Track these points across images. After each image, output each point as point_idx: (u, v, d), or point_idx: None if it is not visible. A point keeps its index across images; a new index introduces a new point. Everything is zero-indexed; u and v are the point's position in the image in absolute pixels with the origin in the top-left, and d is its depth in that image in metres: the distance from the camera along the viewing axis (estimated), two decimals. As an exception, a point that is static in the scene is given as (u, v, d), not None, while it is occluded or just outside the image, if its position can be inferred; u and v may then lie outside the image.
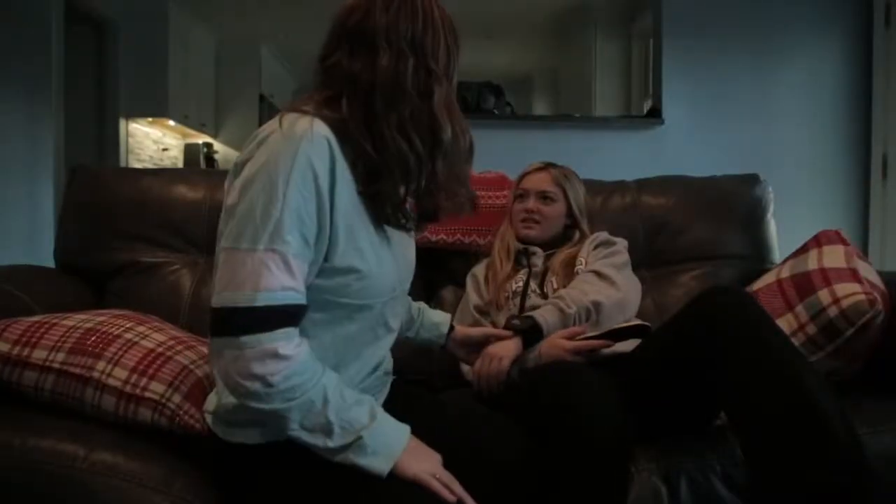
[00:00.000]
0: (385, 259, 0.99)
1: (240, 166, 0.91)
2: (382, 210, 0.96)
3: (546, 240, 1.68)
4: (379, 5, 0.94)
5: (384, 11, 0.94)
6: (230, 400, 0.93)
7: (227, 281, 0.85)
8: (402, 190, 0.95)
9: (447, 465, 0.95)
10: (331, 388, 0.89)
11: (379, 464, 0.89)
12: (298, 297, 0.87)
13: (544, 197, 1.67)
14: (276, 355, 0.84)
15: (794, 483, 0.98)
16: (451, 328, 1.38)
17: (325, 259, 0.91)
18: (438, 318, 1.38)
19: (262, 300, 0.83)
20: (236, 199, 0.88)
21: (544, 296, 1.55)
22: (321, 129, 0.89)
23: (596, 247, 1.63)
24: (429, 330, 1.36)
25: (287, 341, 0.85)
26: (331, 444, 0.88)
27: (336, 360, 0.97)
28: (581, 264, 1.58)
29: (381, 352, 1.08)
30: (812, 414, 0.99)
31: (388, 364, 1.15)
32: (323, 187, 0.87)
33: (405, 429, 0.95)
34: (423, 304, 1.39)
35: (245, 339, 0.83)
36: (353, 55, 0.94)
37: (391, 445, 0.91)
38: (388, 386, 1.16)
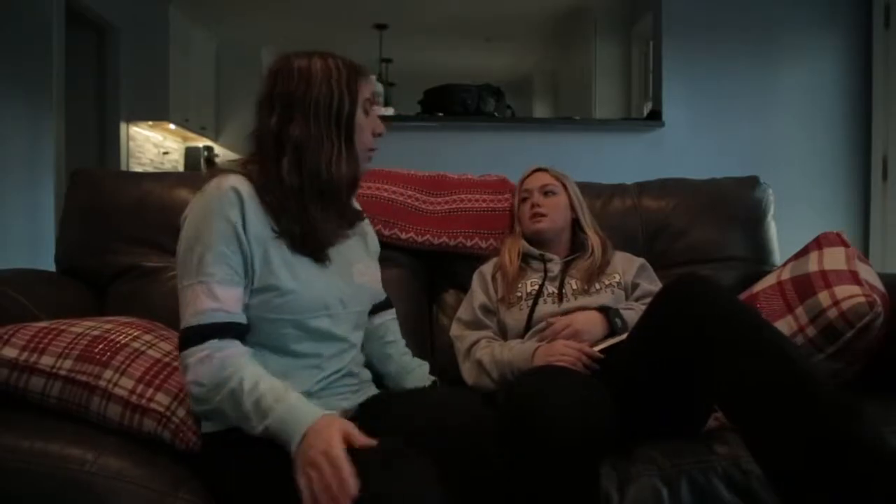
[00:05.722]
0: (308, 279, 1.14)
1: (182, 222, 1.12)
2: (293, 245, 1.13)
3: (556, 232, 1.69)
4: (268, 78, 1.19)
5: (270, 81, 1.18)
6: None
7: (180, 314, 1.06)
8: (296, 228, 1.13)
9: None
10: (247, 378, 0.99)
11: (289, 441, 0.94)
12: (225, 316, 1.05)
13: (546, 191, 1.70)
14: (202, 360, 1.01)
15: (786, 443, 0.98)
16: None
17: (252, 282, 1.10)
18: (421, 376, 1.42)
19: (195, 321, 1.03)
20: (178, 249, 1.09)
21: (560, 299, 1.56)
22: (231, 182, 1.09)
23: (639, 269, 1.66)
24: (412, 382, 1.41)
25: (213, 349, 1.02)
26: (255, 428, 0.97)
27: (282, 369, 1.10)
28: (625, 283, 1.61)
29: (340, 363, 1.21)
30: (796, 375, 1.00)
31: (355, 368, 1.26)
32: (237, 226, 1.07)
33: (312, 412, 0.96)
34: (413, 366, 1.43)
35: (185, 352, 1.03)
36: (259, 121, 1.19)
37: (293, 425, 0.94)
38: (363, 385, 1.26)
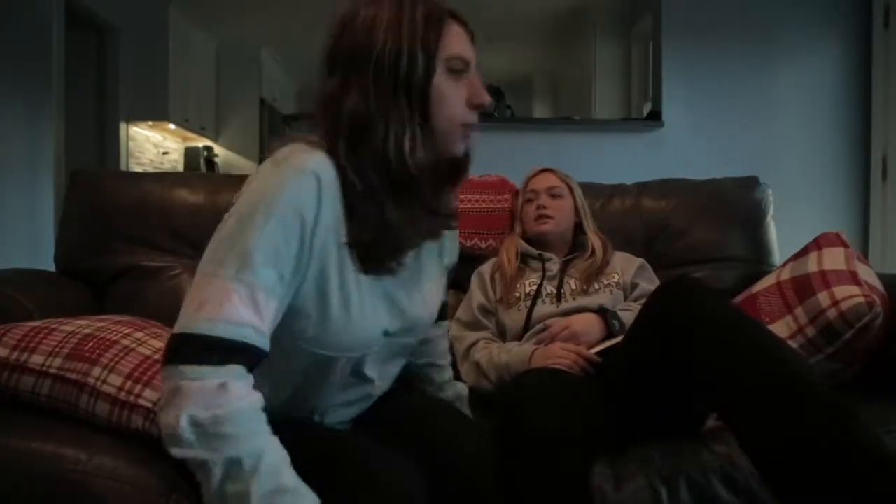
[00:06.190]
0: (361, 311, 0.92)
1: (243, 189, 0.87)
2: (365, 257, 0.91)
3: (560, 235, 1.69)
4: (332, 31, 0.93)
5: (335, 33, 0.92)
6: None
7: (187, 305, 0.79)
8: (367, 235, 0.89)
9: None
10: (266, 463, 0.74)
11: None
12: (257, 337, 0.79)
13: (553, 194, 1.70)
14: (215, 391, 0.74)
15: (782, 445, 0.97)
16: None
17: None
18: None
19: (219, 330, 0.76)
20: (223, 224, 0.84)
21: (558, 299, 1.56)
22: (315, 166, 0.84)
23: (638, 269, 1.65)
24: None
25: (235, 379, 0.76)
26: None
27: (290, 392, 0.97)
28: (623, 283, 1.61)
29: (356, 395, 1.05)
30: (789, 377, 0.99)
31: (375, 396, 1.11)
32: (307, 226, 0.83)
33: None
34: (450, 398, 1.32)
35: (185, 368, 0.75)
36: (319, 85, 0.93)
37: None
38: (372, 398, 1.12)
